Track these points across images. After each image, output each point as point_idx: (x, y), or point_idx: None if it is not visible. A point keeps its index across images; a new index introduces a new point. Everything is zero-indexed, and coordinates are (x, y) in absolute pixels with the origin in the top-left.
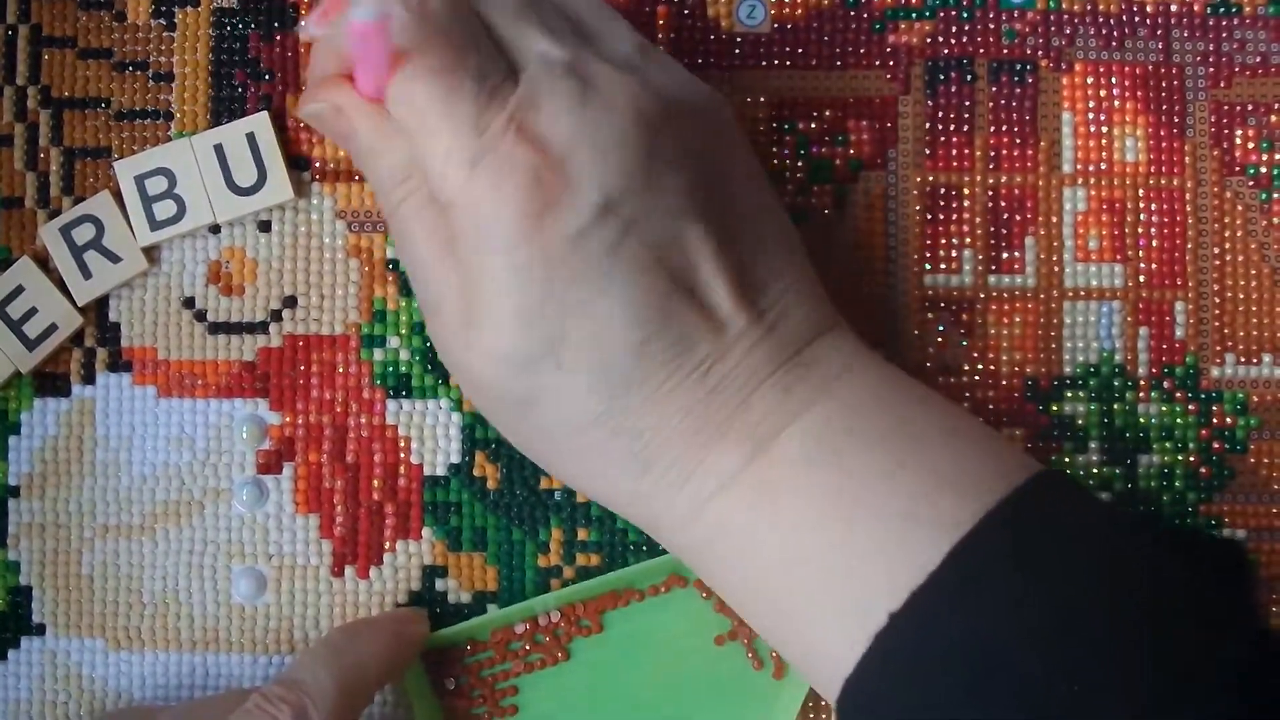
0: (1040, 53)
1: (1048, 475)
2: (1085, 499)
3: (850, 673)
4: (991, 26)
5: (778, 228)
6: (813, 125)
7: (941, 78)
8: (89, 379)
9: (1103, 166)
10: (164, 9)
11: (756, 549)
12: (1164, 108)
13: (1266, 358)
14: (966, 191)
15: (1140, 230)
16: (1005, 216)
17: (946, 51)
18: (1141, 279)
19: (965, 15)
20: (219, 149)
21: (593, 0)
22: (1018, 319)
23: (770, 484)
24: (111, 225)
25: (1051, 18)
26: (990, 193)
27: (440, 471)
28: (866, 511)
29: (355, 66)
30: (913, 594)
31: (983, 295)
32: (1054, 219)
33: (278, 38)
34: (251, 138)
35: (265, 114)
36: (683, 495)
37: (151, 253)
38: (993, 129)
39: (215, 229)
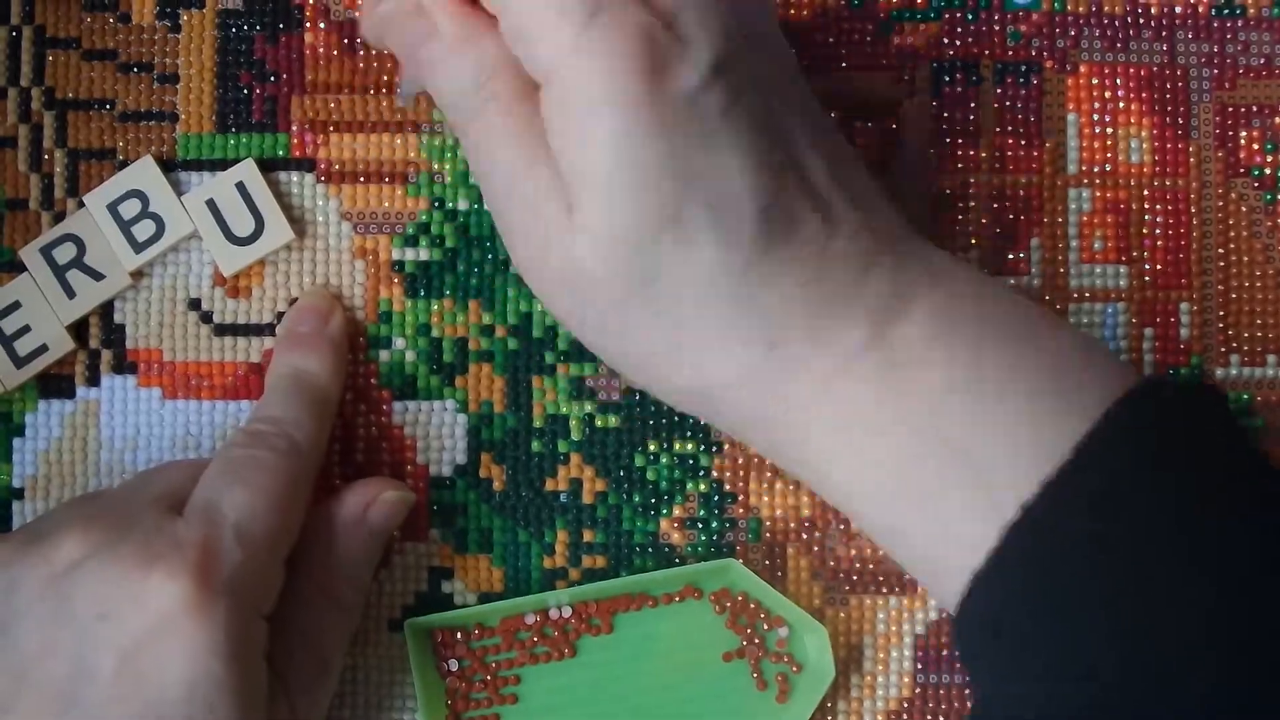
0: (1045, 54)
1: (1164, 381)
2: (1213, 409)
3: (979, 566)
4: (996, 28)
5: (844, 140)
6: None
7: (946, 79)
8: (94, 381)
9: (1107, 168)
10: (169, 11)
11: (881, 432)
12: (1169, 109)
13: (1271, 359)
14: (971, 192)
15: (1145, 231)
16: (1010, 217)
17: (952, 53)
18: (1146, 280)
19: (970, 17)
20: (211, 204)
21: None
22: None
23: (897, 361)
24: (93, 243)
25: (1056, 19)
26: (995, 194)
27: (446, 473)
28: (994, 389)
29: None
30: (1044, 485)
31: None
32: (1059, 220)
33: (282, 39)
34: (242, 186)
35: (251, 161)
36: (808, 372)
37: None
38: (998, 130)
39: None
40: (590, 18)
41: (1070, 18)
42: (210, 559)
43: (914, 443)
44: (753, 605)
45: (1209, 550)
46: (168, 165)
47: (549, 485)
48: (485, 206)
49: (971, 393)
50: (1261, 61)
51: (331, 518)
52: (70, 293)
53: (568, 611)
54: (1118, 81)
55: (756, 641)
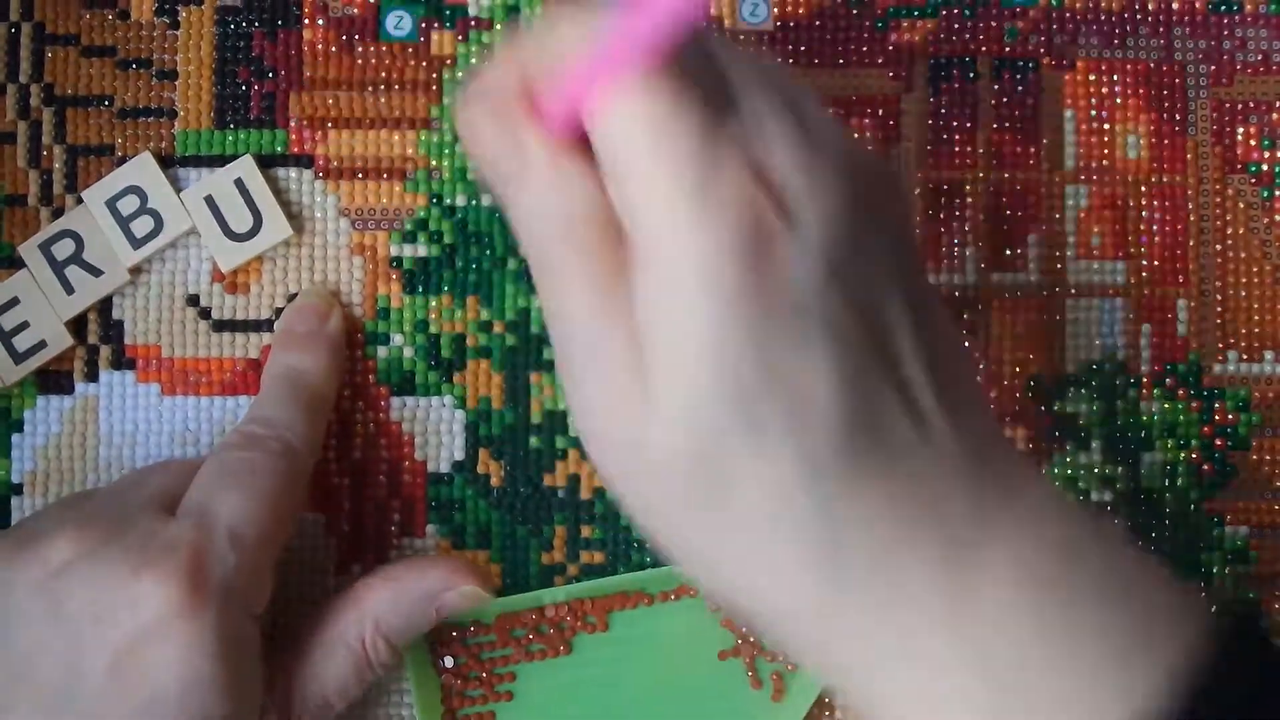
0: (1042, 51)
1: (1244, 624)
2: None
3: None
4: (994, 24)
5: (957, 335)
6: None
7: (944, 75)
8: (92, 376)
9: (1105, 164)
10: (167, 7)
11: (947, 675)
12: (1166, 105)
13: (1268, 355)
14: (969, 189)
15: (1142, 227)
16: (1008, 214)
17: (949, 49)
18: (1144, 276)
19: (968, 13)
20: (210, 200)
21: (793, 79)
22: (1020, 317)
23: (971, 614)
24: (92, 239)
25: (1053, 15)
26: (993, 190)
27: (444, 469)
28: (1076, 654)
29: (564, 82)
30: None
31: (985, 293)
32: (1056, 216)
33: (281, 36)
34: (240, 182)
35: (249, 157)
36: (870, 599)
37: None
38: (995, 127)
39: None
40: (699, 189)
41: (1067, 14)
42: (202, 562)
43: (982, 690)
44: None
45: None
46: (166, 161)
47: (547, 481)
48: (555, 355)
49: (1049, 657)
50: (1259, 58)
51: (406, 585)
52: (69, 289)
53: (564, 609)
54: (1115, 78)
55: (752, 640)
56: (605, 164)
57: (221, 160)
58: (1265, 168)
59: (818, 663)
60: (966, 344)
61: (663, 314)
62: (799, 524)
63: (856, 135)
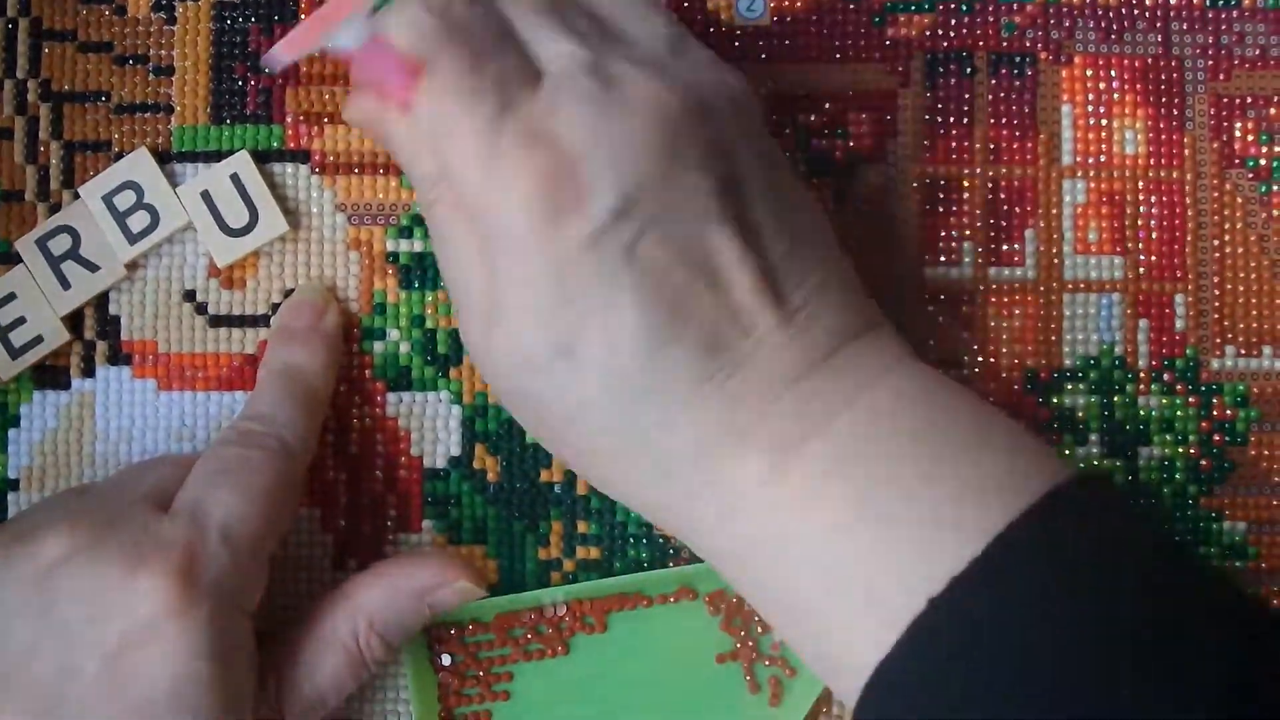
0: (1040, 45)
1: (1081, 480)
2: (1115, 506)
3: (881, 659)
4: (991, 19)
5: (809, 224)
6: (812, 118)
7: (941, 70)
8: (89, 372)
9: (1102, 159)
10: (164, 2)
11: (782, 559)
12: (1163, 100)
13: (1267, 350)
14: (966, 184)
15: (1140, 223)
16: (1005, 209)
17: (946, 44)
18: (1141, 271)
19: (965, 8)
20: (206, 195)
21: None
22: (1017, 311)
23: (794, 497)
24: (88, 235)
25: (1051, 10)
26: (990, 185)
27: (440, 464)
28: (893, 521)
29: (373, 81)
30: (951, 581)
31: (982, 288)
32: (1054, 211)
33: (277, 31)
34: (236, 178)
35: (245, 153)
36: (707, 506)
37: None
38: (992, 122)
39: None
40: (487, 160)
41: (1065, 9)
42: (195, 561)
43: (812, 574)
44: (747, 608)
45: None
46: (163, 157)
47: (543, 477)
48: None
49: (867, 529)
50: (1257, 52)
51: (399, 582)
52: (65, 284)
53: (562, 609)
54: (1112, 73)
55: (750, 644)
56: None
57: (218, 155)
58: (1263, 162)
59: (679, 537)
60: (832, 239)
61: (492, 267)
62: (618, 435)
63: (710, 58)
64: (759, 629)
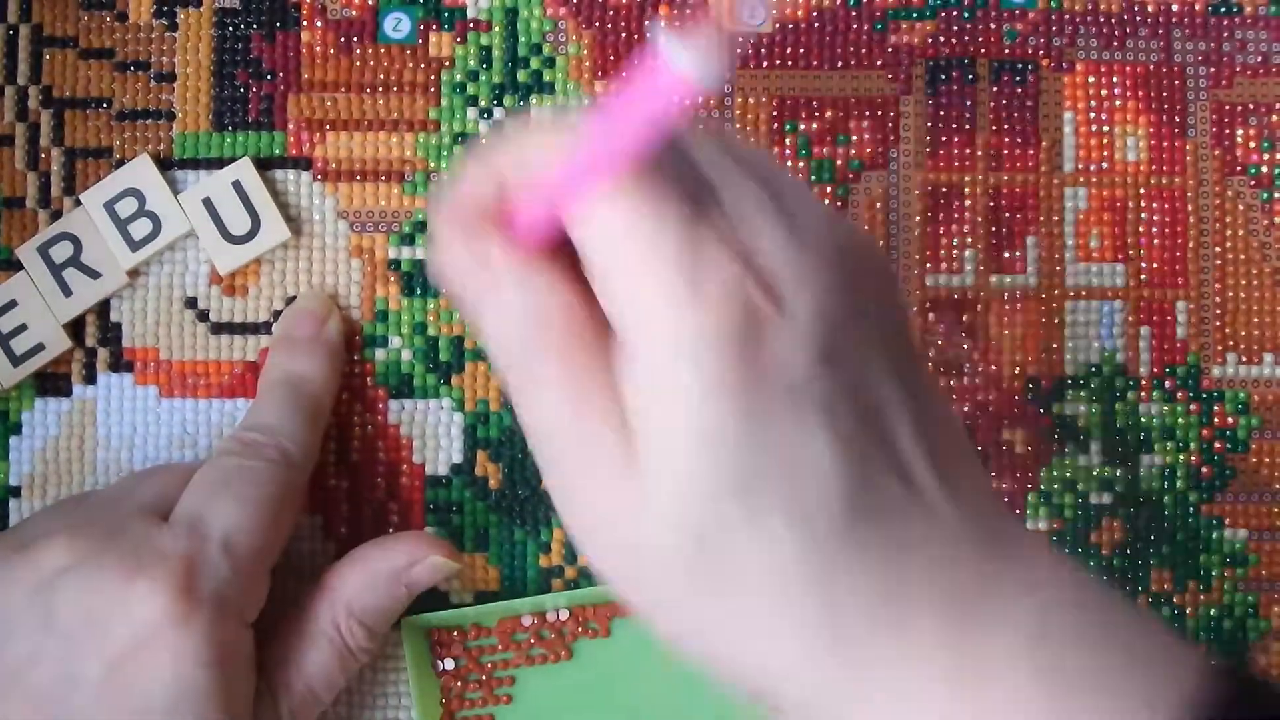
0: (1041, 52)
1: (1234, 672)
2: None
3: None
4: (993, 26)
5: (949, 407)
6: (814, 125)
7: (943, 77)
8: (90, 379)
9: (1104, 166)
10: (166, 9)
11: None
12: (1165, 107)
13: (1268, 357)
14: (968, 191)
15: (1141, 230)
16: (1006, 216)
17: (948, 51)
18: (1143, 278)
19: (966, 15)
20: (208, 202)
21: (777, 168)
22: (1019, 319)
23: (973, 670)
24: (90, 242)
25: (1053, 17)
26: (991, 192)
27: (442, 471)
28: (1088, 696)
29: (537, 191)
30: None
31: (984, 295)
32: (1055, 219)
33: (279, 38)
34: (238, 185)
35: (247, 159)
36: (874, 669)
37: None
38: (994, 129)
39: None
40: (686, 283)
41: (1067, 16)
42: (195, 571)
43: None
44: None
45: None
46: (164, 164)
47: (545, 484)
48: (542, 471)
49: (1058, 711)
50: (1258, 60)
51: (372, 565)
52: (67, 291)
53: (565, 614)
54: (1114, 80)
55: None
56: (590, 266)
57: (220, 162)
58: (1264, 170)
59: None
60: (966, 433)
61: (654, 403)
62: (794, 589)
63: (846, 220)
64: None
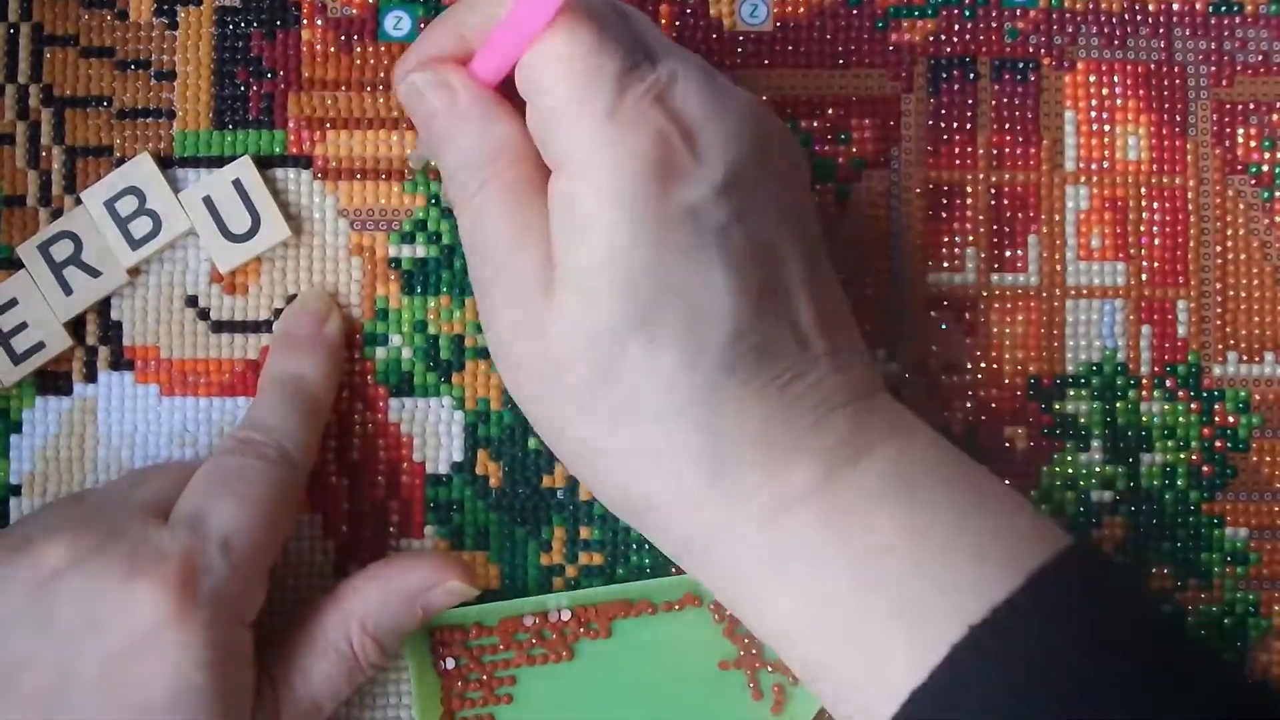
0: (1043, 51)
1: (1083, 545)
2: (1116, 568)
3: (918, 684)
4: (994, 25)
5: (837, 286)
6: (815, 124)
7: (944, 76)
8: (91, 377)
9: (1105, 165)
10: (166, 7)
11: (821, 570)
12: (1166, 106)
13: (1269, 356)
14: (969, 190)
15: (1143, 229)
16: (1008, 215)
17: (949, 50)
18: (1144, 277)
19: (968, 14)
20: (208, 201)
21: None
22: (1020, 317)
23: (843, 509)
24: (90, 240)
25: (1054, 16)
26: (993, 191)
27: (442, 470)
28: (938, 548)
29: (489, 40)
30: (971, 628)
31: (985, 294)
32: (1056, 217)
33: (279, 36)
34: (238, 183)
35: (247, 158)
36: (752, 504)
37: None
38: (995, 127)
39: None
40: (610, 113)
41: (1068, 15)
42: (194, 572)
43: (853, 584)
44: None
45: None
46: (165, 162)
47: (546, 482)
48: (473, 287)
49: (913, 550)
50: (1259, 58)
51: (390, 583)
52: (67, 289)
53: (566, 614)
54: (1115, 79)
55: (754, 651)
56: (528, 95)
57: (220, 161)
58: (1265, 169)
59: (688, 560)
60: (853, 319)
61: (571, 228)
62: (682, 417)
63: (771, 111)
64: None
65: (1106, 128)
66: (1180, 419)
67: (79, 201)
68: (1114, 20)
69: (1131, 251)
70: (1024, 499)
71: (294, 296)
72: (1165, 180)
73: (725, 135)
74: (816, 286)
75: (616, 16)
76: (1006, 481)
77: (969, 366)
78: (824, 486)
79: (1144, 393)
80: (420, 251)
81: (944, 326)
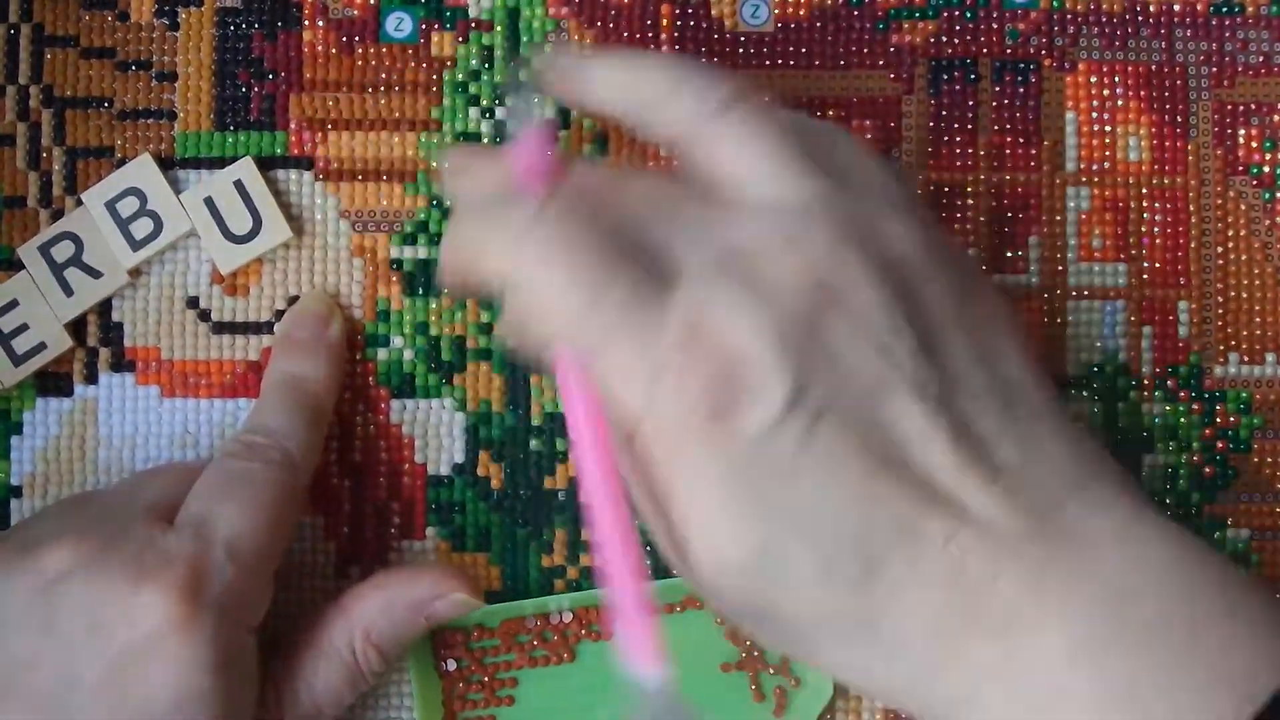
0: (1043, 52)
1: None
2: None
3: None
4: (995, 26)
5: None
6: None
7: (945, 77)
8: (92, 379)
9: (1106, 166)
10: (167, 8)
11: None
12: (1167, 107)
13: (1270, 357)
14: (970, 191)
15: (1144, 230)
16: (1009, 216)
17: (950, 51)
18: (1145, 278)
19: (968, 15)
20: (209, 202)
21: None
22: (1021, 318)
23: (1033, 691)
24: (91, 241)
25: (1055, 17)
26: (994, 192)
27: (444, 471)
28: (1134, 714)
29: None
30: None
31: None
32: (1057, 218)
33: (281, 37)
34: (240, 184)
35: (249, 159)
36: (939, 688)
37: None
38: (996, 129)
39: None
40: (653, 381)
41: (1069, 16)
42: (199, 576)
43: None
44: None
45: None
46: (166, 163)
47: (547, 484)
48: None
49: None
50: (1260, 59)
51: (394, 593)
52: (68, 291)
53: (568, 616)
54: (1116, 80)
55: (756, 654)
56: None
57: (221, 162)
58: (1266, 170)
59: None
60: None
61: (662, 488)
62: (846, 622)
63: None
64: None
65: (1107, 129)
66: (1181, 420)
67: (80, 202)
68: (1115, 21)
69: (1133, 252)
70: (1252, 604)
71: (295, 298)
72: (1166, 181)
73: (775, 340)
74: (953, 405)
75: (611, 244)
76: None
77: None
78: (1007, 670)
79: (1145, 394)
80: (422, 253)
81: None
